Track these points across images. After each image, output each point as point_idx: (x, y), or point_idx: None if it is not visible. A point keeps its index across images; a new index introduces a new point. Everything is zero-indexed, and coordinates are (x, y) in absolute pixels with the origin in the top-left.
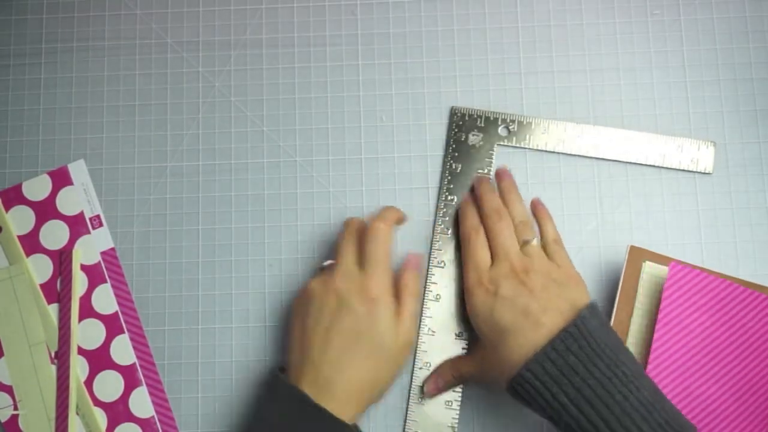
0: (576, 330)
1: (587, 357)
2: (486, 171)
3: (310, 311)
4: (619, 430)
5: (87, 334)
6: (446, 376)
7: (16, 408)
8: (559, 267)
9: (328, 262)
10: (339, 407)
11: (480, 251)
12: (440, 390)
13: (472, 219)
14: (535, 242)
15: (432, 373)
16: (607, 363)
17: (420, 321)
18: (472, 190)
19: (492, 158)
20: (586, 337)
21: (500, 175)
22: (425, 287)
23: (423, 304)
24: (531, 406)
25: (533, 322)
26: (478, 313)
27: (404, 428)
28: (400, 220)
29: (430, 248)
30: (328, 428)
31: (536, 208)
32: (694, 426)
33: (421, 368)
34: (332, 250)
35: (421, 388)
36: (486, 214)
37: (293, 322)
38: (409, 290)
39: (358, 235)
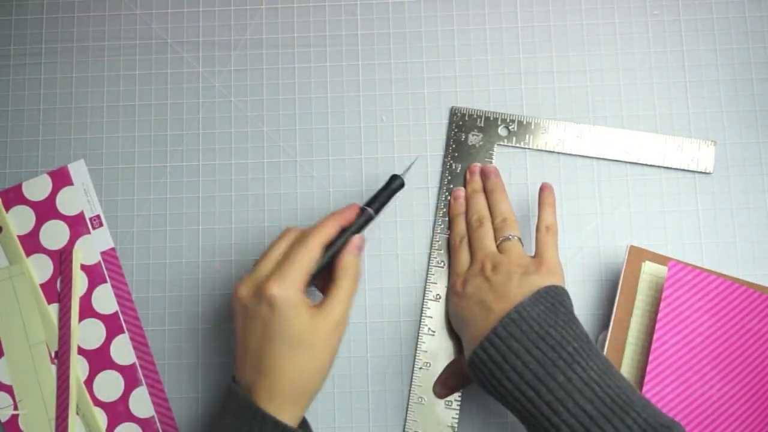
0: (517, 315)
1: (530, 341)
2: None
3: (233, 323)
4: (561, 410)
5: (87, 334)
6: (451, 377)
7: (16, 408)
8: (535, 257)
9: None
10: (277, 408)
11: (461, 257)
12: (450, 390)
13: (457, 228)
14: (514, 237)
15: (440, 375)
16: (551, 345)
17: (420, 321)
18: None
19: (492, 158)
20: (528, 321)
21: (486, 173)
22: (425, 287)
23: (423, 303)
24: (490, 393)
25: (486, 310)
26: (451, 314)
27: (404, 428)
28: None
29: (430, 248)
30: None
31: (541, 192)
32: (646, 399)
33: (420, 368)
34: None
35: (433, 389)
36: (469, 222)
37: None
38: (346, 272)
39: (290, 242)
